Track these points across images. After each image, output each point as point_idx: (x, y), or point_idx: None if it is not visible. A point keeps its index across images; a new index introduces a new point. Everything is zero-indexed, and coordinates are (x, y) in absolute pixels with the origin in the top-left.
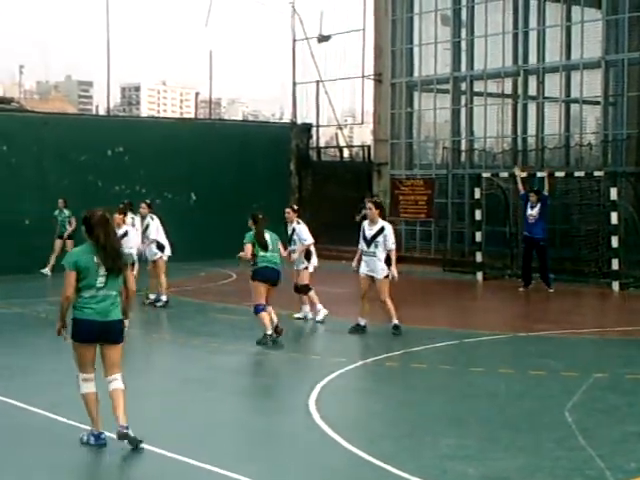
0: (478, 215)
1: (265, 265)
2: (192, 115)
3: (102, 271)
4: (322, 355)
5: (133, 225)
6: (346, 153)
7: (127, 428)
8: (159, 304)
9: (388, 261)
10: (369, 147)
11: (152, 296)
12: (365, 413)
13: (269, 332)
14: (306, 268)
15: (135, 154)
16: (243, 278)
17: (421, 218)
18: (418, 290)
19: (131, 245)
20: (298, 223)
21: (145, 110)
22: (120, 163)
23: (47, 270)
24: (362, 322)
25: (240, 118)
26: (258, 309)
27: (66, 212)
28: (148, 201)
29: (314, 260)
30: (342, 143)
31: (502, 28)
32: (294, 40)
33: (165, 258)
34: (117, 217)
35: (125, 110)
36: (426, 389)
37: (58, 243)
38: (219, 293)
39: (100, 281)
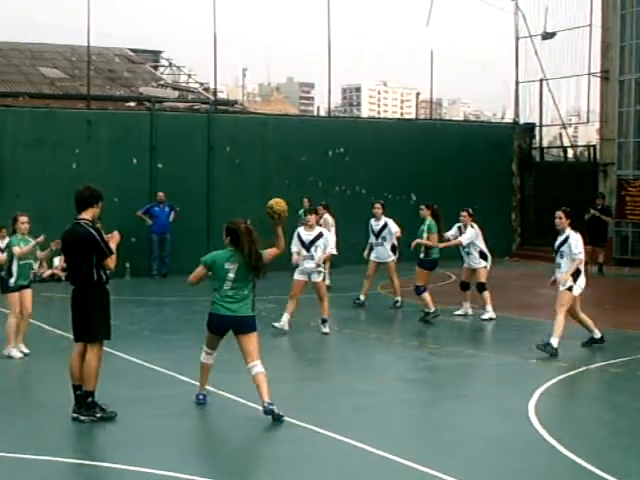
0: None
1: (435, 257)
2: (413, 116)
3: (231, 275)
4: (541, 359)
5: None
6: (570, 153)
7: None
8: (398, 305)
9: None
10: (595, 147)
11: (362, 297)
12: (588, 421)
13: (432, 309)
14: (485, 267)
15: (355, 155)
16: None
17: None
18: None
19: (332, 245)
20: (472, 227)
21: (365, 111)
22: (340, 164)
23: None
24: (597, 335)
25: (461, 118)
26: (421, 290)
27: None
28: (382, 202)
29: (489, 260)
30: (566, 143)
31: None
32: (517, 38)
33: (396, 260)
34: (311, 218)
35: (346, 111)
36: None
37: None
38: (438, 294)
39: (228, 281)
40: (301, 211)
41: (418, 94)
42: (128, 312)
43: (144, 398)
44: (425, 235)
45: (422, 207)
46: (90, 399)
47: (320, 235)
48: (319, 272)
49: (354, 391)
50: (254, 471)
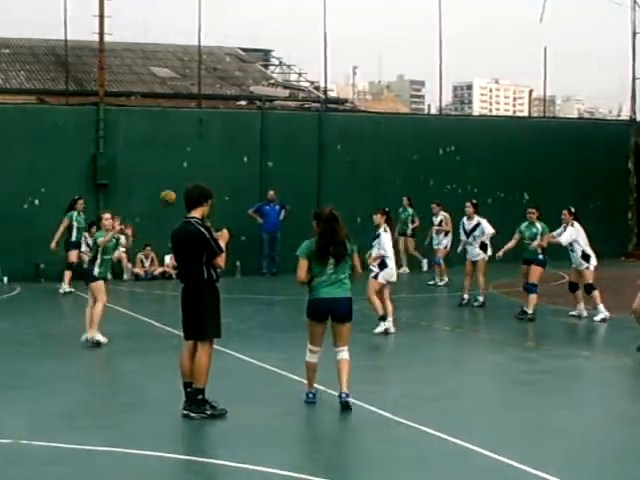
0: None
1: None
2: (525, 113)
3: (331, 259)
4: None
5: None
6: None
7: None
8: (476, 304)
9: None
10: None
11: (466, 296)
12: None
13: (531, 312)
14: (587, 268)
15: (467, 153)
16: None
17: None
18: None
19: (385, 248)
20: (572, 226)
21: (477, 109)
22: (452, 162)
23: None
24: None
25: (575, 116)
26: (534, 289)
27: (410, 210)
28: (474, 201)
29: (593, 261)
30: None
31: None
32: (634, 33)
33: (487, 259)
34: (375, 217)
35: (457, 109)
36: None
37: (401, 242)
38: (550, 294)
39: (330, 267)
40: (400, 209)
41: (531, 91)
42: (238, 310)
43: (254, 396)
44: (539, 237)
45: (532, 210)
46: (200, 396)
47: (378, 235)
48: (372, 270)
49: (466, 393)
50: (366, 471)
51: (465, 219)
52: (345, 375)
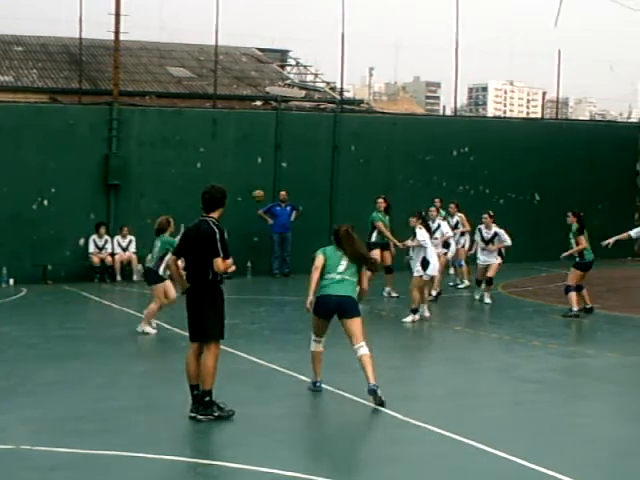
0: None
1: (591, 259)
2: (539, 115)
3: (343, 261)
4: None
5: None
6: None
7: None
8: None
9: None
10: None
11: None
12: None
13: (575, 309)
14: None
15: (480, 154)
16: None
17: None
18: None
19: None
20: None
21: (491, 110)
22: (465, 163)
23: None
24: None
25: (587, 118)
26: (570, 289)
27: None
28: (491, 212)
29: None
30: None
31: None
32: None
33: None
34: (412, 220)
35: (472, 110)
36: None
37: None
38: (559, 294)
39: (340, 269)
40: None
41: (544, 93)
42: (249, 311)
43: (263, 397)
44: (573, 241)
45: (569, 214)
46: (207, 398)
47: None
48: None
49: (474, 392)
50: (373, 471)
51: (483, 227)
52: (370, 368)
